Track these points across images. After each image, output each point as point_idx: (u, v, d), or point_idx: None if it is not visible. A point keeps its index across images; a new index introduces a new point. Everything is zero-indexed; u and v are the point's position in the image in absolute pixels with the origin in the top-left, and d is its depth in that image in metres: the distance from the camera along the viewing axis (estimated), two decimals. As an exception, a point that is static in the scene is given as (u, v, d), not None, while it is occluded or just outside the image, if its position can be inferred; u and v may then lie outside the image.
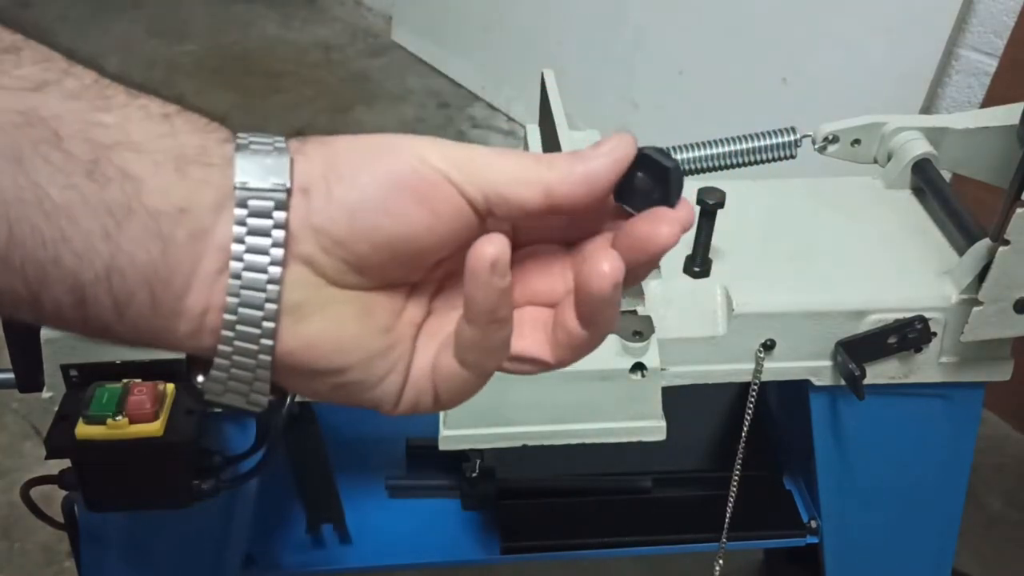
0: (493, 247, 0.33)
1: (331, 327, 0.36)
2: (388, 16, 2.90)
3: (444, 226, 0.36)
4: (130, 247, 0.33)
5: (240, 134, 0.37)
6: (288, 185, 0.34)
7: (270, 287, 0.34)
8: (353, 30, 2.96)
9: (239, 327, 0.34)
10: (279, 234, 0.33)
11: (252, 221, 0.33)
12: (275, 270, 0.34)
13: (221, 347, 0.35)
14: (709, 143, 0.88)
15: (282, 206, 0.33)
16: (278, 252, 0.33)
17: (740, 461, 0.91)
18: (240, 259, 0.33)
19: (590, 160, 0.37)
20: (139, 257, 0.33)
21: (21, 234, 0.31)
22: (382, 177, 0.35)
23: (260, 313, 0.34)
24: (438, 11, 2.69)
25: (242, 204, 0.33)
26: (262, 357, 0.36)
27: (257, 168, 0.34)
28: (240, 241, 0.33)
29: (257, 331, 0.35)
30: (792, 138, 0.92)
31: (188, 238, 0.33)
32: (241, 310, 0.34)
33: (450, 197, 0.35)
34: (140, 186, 0.33)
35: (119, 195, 0.32)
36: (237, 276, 0.33)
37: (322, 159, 0.35)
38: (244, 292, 0.34)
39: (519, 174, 0.36)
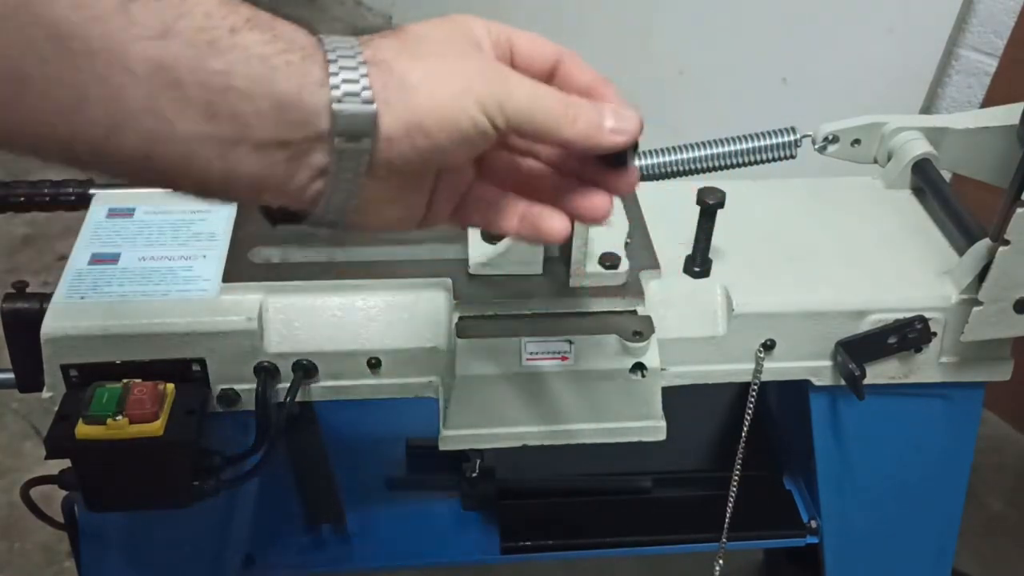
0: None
1: (376, 215, 0.49)
2: (388, 16, 2.89)
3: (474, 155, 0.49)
4: (239, 165, 0.42)
5: (331, 70, 0.44)
6: (371, 135, 0.44)
7: (350, 201, 0.46)
8: (353, 30, 2.91)
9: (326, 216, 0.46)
10: (362, 167, 0.44)
11: (340, 146, 0.43)
12: (354, 188, 0.45)
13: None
14: (709, 143, 0.88)
15: (366, 152, 0.44)
16: (357, 177, 0.45)
17: (740, 461, 0.91)
18: (331, 176, 0.44)
19: (607, 137, 0.49)
20: (246, 170, 0.43)
21: (160, 152, 0.41)
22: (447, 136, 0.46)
23: (333, 217, 0.46)
24: (438, 11, 2.68)
25: (334, 139, 0.43)
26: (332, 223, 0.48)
27: (345, 119, 0.43)
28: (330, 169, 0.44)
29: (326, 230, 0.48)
30: (792, 138, 0.92)
31: (286, 160, 0.43)
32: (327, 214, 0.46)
33: (490, 140, 0.47)
34: (246, 127, 0.42)
35: (230, 131, 0.41)
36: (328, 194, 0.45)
37: (404, 111, 0.44)
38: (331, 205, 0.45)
39: (548, 125, 0.48)
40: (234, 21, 0.42)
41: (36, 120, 0.39)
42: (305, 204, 0.46)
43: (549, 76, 0.53)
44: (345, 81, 0.44)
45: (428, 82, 0.45)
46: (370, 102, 0.44)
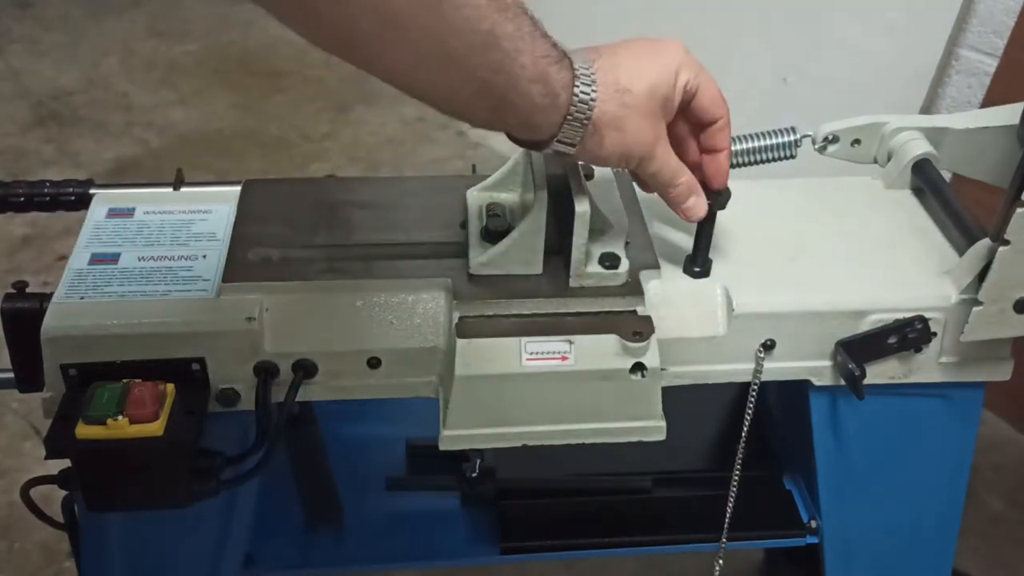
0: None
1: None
2: (388, 16, 2.89)
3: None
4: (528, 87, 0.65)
5: (573, 61, 0.67)
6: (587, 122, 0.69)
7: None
8: (353, 30, 2.95)
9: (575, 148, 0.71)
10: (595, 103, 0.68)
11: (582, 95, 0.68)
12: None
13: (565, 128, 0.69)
14: (709, 143, 0.88)
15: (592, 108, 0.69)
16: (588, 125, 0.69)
17: (740, 461, 0.91)
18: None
19: (682, 212, 0.78)
20: (530, 103, 0.66)
21: (499, 82, 0.64)
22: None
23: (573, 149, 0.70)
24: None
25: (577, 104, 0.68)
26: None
27: (584, 74, 0.68)
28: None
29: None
30: (792, 138, 0.92)
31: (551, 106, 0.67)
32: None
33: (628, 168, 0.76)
34: (551, 80, 0.66)
35: (540, 99, 0.66)
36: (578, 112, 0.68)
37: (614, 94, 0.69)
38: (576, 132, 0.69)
39: (657, 183, 0.76)
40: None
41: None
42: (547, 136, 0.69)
43: (705, 126, 0.76)
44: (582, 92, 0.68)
45: (611, 144, 0.71)
46: (592, 104, 0.68)
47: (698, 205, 0.77)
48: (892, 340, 0.82)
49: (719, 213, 0.80)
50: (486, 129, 0.70)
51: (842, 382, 0.84)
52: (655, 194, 0.82)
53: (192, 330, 0.75)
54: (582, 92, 0.67)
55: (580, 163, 0.79)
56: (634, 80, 0.70)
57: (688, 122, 0.76)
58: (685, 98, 0.74)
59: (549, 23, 0.66)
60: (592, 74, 0.68)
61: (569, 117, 0.68)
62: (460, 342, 0.74)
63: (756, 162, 0.93)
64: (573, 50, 0.69)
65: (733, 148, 0.92)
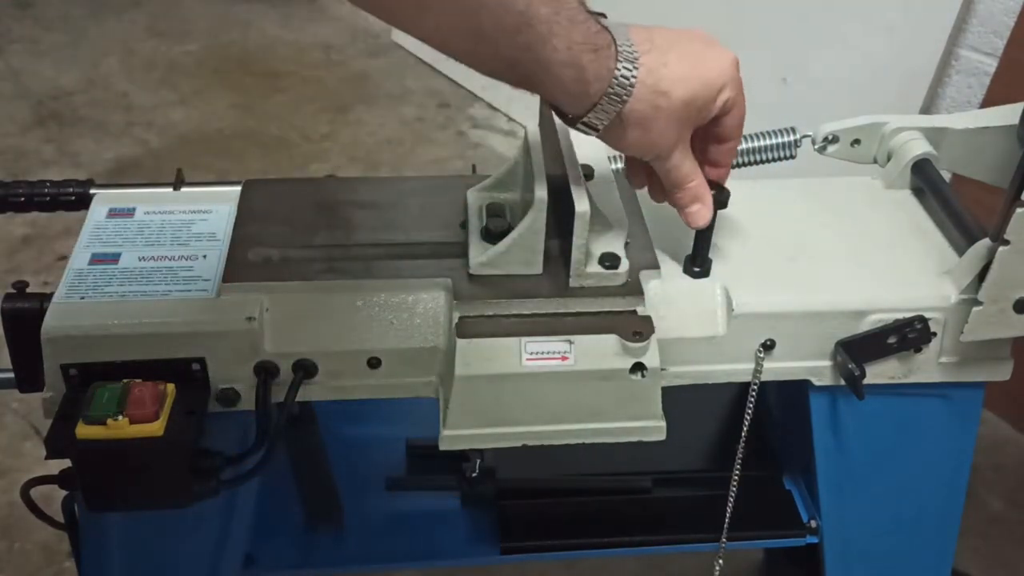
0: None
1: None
2: (388, 16, 2.89)
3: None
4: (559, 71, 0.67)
5: (620, 52, 0.68)
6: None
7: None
8: (353, 30, 2.96)
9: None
10: (628, 99, 0.69)
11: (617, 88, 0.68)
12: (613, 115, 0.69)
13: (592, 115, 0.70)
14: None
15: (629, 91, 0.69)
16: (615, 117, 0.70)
17: (740, 461, 0.91)
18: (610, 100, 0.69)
19: (685, 216, 0.79)
20: (560, 87, 0.68)
21: (528, 61, 0.66)
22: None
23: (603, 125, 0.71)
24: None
25: (611, 96, 0.68)
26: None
27: (623, 75, 0.68)
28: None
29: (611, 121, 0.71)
30: (792, 138, 0.92)
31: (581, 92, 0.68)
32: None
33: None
34: (584, 68, 0.67)
35: (570, 84, 0.68)
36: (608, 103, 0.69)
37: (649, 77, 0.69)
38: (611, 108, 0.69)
39: (668, 183, 0.77)
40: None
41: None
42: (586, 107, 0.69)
43: (718, 141, 0.77)
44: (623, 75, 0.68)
45: (632, 139, 0.72)
46: (625, 100, 0.69)
47: (700, 213, 0.77)
48: (892, 340, 0.82)
49: (719, 213, 0.80)
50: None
51: (842, 382, 0.84)
52: (657, 202, 0.82)
53: (192, 330, 0.75)
54: (618, 86, 0.68)
55: (580, 163, 0.79)
56: (675, 85, 0.70)
57: (705, 132, 0.77)
58: (718, 115, 0.74)
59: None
60: (633, 72, 0.68)
61: (599, 105, 0.68)
62: (460, 342, 0.74)
63: (756, 162, 0.94)
64: (627, 30, 0.69)
65: (733, 148, 0.92)
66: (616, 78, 0.67)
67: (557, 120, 0.81)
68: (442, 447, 0.77)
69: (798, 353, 0.83)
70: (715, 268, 0.83)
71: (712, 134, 0.77)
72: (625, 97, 0.68)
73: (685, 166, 0.75)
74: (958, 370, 0.85)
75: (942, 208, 0.90)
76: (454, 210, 0.86)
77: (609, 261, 0.78)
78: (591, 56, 0.66)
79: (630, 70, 0.68)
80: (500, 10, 0.63)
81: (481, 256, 0.79)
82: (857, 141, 0.95)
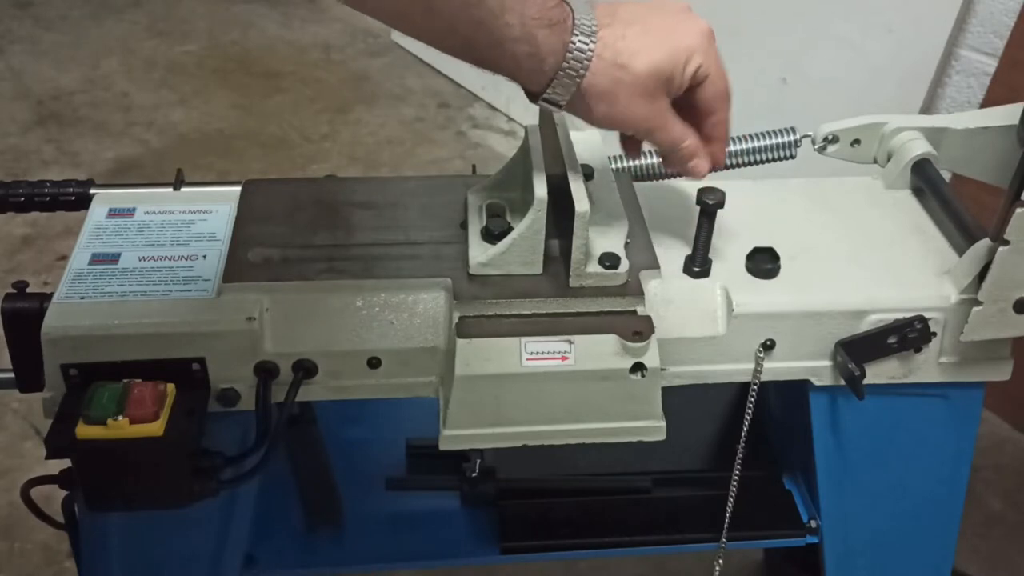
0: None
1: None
2: (388, 16, 2.89)
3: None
4: (513, 47, 0.66)
5: (577, 26, 0.67)
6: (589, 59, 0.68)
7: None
8: (353, 30, 2.96)
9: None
10: (585, 72, 0.68)
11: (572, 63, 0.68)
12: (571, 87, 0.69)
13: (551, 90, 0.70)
14: (709, 143, 0.88)
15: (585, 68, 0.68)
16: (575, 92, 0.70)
17: (740, 461, 0.91)
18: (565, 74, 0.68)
19: (687, 170, 0.78)
20: (514, 62, 0.68)
21: (481, 38, 0.66)
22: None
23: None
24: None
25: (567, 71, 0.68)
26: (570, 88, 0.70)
27: (579, 48, 0.68)
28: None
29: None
30: (792, 138, 0.92)
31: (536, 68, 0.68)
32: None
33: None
34: (538, 44, 0.67)
35: (524, 60, 0.67)
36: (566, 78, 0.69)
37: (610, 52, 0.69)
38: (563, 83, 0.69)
39: (661, 143, 0.76)
40: None
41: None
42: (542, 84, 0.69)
43: (702, 115, 0.76)
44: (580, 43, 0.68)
45: (600, 114, 0.71)
46: (582, 74, 0.69)
47: (699, 164, 0.77)
48: (892, 340, 0.82)
49: (719, 213, 0.80)
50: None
51: (842, 382, 0.84)
52: (655, 194, 0.82)
53: (192, 330, 0.75)
54: (574, 60, 0.67)
55: (580, 163, 0.79)
56: (636, 57, 0.69)
57: (690, 104, 0.76)
58: (692, 84, 0.73)
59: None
60: (589, 46, 0.67)
61: (555, 80, 0.68)
62: (460, 342, 0.74)
63: (756, 162, 0.94)
64: (589, 5, 0.68)
65: (733, 148, 0.92)
66: (571, 52, 0.67)
67: (557, 120, 0.82)
68: (442, 447, 0.77)
69: (798, 353, 0.83)
70: (715, 268, 0.83)
71: (695, 108, 0.75)
72: (582, 71, 0.68)
73: (672, 131, 0.74)
74: (958, 370, 0.85)
75: (942, 208, 0.90)
76: (454, 210, 0.86)
77: (609, 261, 0.78)
78: (546, 31, 0.66)
79: (586, 43, 0.67)
80: None
81: (481, 256, 0.79)
82: (857, 141, 0.95)
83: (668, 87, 0.72)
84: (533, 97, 0.71)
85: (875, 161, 0.97)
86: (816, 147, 0.95)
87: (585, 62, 0.68)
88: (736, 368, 0.83)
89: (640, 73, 0.69)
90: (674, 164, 0.78)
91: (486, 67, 0.69)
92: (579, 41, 0.67)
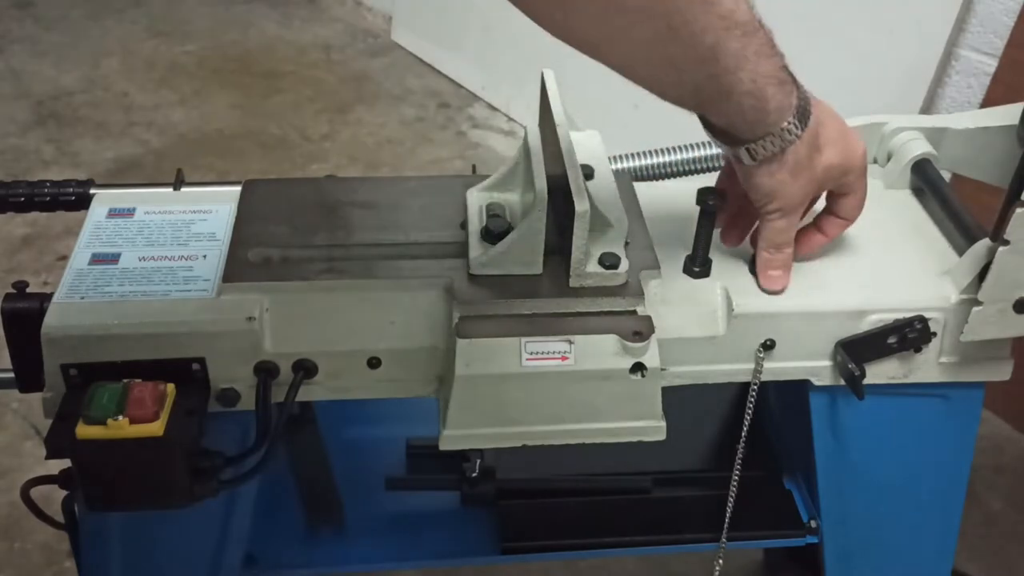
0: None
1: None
2: (388, 16, 2.90)
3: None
4: (740, 99, 0.69)
5: (795, 110, 0.72)
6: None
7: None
8: (353, 30, 2.96)
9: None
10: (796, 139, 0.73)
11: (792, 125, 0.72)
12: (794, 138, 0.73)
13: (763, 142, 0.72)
14: (709, 143, 0.88)
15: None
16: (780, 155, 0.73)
17: (740, 461, 0.91)
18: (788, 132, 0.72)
19: (762, 283, 0.82)
20: (739, 112, 0.71)
21: (711, 89, 0.69)
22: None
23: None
24: (438, 11, 2.69)
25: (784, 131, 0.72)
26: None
27: (795, 122, 0.72)
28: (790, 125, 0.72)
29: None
30: (792, 138, 0.92)
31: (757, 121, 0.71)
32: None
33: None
34: (767, 99, 0.70)
35: (749, 112, 0.70)
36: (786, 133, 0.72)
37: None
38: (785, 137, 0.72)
39: (764, 243, 0.81)
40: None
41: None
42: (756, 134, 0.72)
43: (831, 215, 0.82)
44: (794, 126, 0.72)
45: (776, 181, 0.75)
46: (796, 136, 0.72)
47: (781, 279, 0.81)
48: (892, 340, 0.82)
49: (719, 213, 0.80)
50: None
51: (842, 382, 0.84)
52: (655, 194, 0.82)
53: (192, 330, 0.75)
54: (797, 120, 0.71)
55: (580, 163, 0.79)
56: (827, 147, 0.75)
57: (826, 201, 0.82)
58: (836, 193, 0.80)
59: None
60: (808, 114, 0.72)
61: (770, 136, 0.71)
62: (460, 342, 0.74)
63: (756, 162, 0.93)
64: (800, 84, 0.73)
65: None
66: (795, 114, 0.71)
67: (557, 120, 0.82)
68: (442, 447, 0.77)
69: (798, 353, 0.83)
70: (715, 268, 0.83)
71: (831, 207, 0.81)
72: (798, 134, 0.72)
73: (791, 231, 0.79)
74: (958, 370, 0.85)
75: (942, 208, 0.90)
76: (454, 210, 0.86)
77: (609, 261, 0.78)
78: (775, 88, 0.70)
79: (804, 111, 0.72)
80: (690, 42, 0.64)
81: (481, 256, 0.79)
82: (857, 141, 0.95)
83: (826, 186, 0.78)
84: (735, 142, 0.73)
85: (875, 161, 0.97)
86: (816, 147, 0.95)
87: (802, 128, 0.72)
88: (736, 368, 0.83)
89: (826, 162, 0.75)
90: (761, 262, 0.81)
91: (703, 111, 0.72)
92: (802, 106, 0.72)
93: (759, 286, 0.82)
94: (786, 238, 0.79)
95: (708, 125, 0.75)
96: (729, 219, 0.84)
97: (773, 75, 0.69)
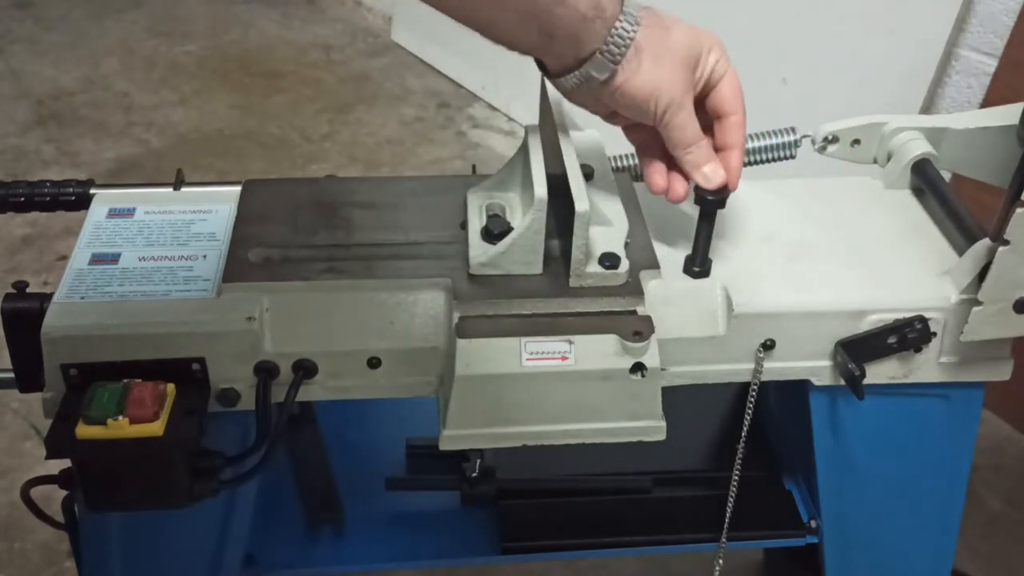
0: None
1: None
2: (388, 16, 2.90)
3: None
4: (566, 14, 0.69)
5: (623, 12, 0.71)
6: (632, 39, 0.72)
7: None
8: (353, 30, 2.96)
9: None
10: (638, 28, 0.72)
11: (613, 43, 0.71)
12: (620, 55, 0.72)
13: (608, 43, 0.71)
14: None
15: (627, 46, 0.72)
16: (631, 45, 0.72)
17: (740, 461, 0.91)
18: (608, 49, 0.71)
19: (697, 176, 0.79)
20: (577, 14, 0.69)
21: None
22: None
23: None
24: (436, 12, 2.69)
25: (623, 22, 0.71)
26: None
27: (630, 16, 0.72)
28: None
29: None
30: (792, 138, 0.92)
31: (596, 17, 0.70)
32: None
33: (648, 120, 0.76)
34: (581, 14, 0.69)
35: (586, 9, 0.69)
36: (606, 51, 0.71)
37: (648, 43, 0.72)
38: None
39: (674, 141, 0.78)
40: None
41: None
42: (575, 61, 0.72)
43: (721, 118, 0.78)
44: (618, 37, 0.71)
45: (646, 73, 0.72)
46: (617, 61, 0.72)
47: (715, 171, 0.77)
48: (892, 340, 0.82)
49: (719, 213, 0.80)
50: (527, 55, 0.74)
51: (842, 382, 0.84)
52: (654, 194, 0.82)
53: (192, 330, 0.75)
54: (629, 12, 0.71)
55: (580, 163, 0.79)
56: (674, 29, 0.74)
57: (705, 113, 0.78)
58: (710, 80, 0.76)
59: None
60: (637, 14, 0.72)
61: (614, 30, 0.70)
62: (460, 342, 0.74)
63: (756, 162, 0.94)
64: None
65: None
66: (625, 5, 0.71)
67: (557, 120, 0.82)
68: (442, 447, 0.77)
69: (798, 353, 0.83)
70: (715, 268, 0.83)
71: (714, 109, 0.78)
72: (636, 25, 0.71)
73: (692, 124, 0.76)
74: (958, 370, 0.85)
75: (942, 208, 0.90)
76: (454, 210, 0.86)
77: (609, 261, 0.78)
78: None
79: (634, 13, 0.72)
80: None
81: (481, 256, 0.79)
82: (857, 141, 0.95)
83: (696, 69, 0.75)
84: (584, 62, 0.72)
85: (875, 161, 0.97)
86: (816, 147, 0.95)
87: (638, 17, 0.71)
88: (736, 368, 0.83)
89: (680, 42, 0.73)
90: (688, 165, 0.78)
91: (546, 33, 0.71)
92: (630, 6, 0.71)
93: (704, 192, 0.78)
94: (692, 131, 0.76)
95: (561, 65, 0.74)
96: (643, 157, 0.83)
97: None
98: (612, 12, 0.70)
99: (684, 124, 0.76)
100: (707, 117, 0.79)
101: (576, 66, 0.72)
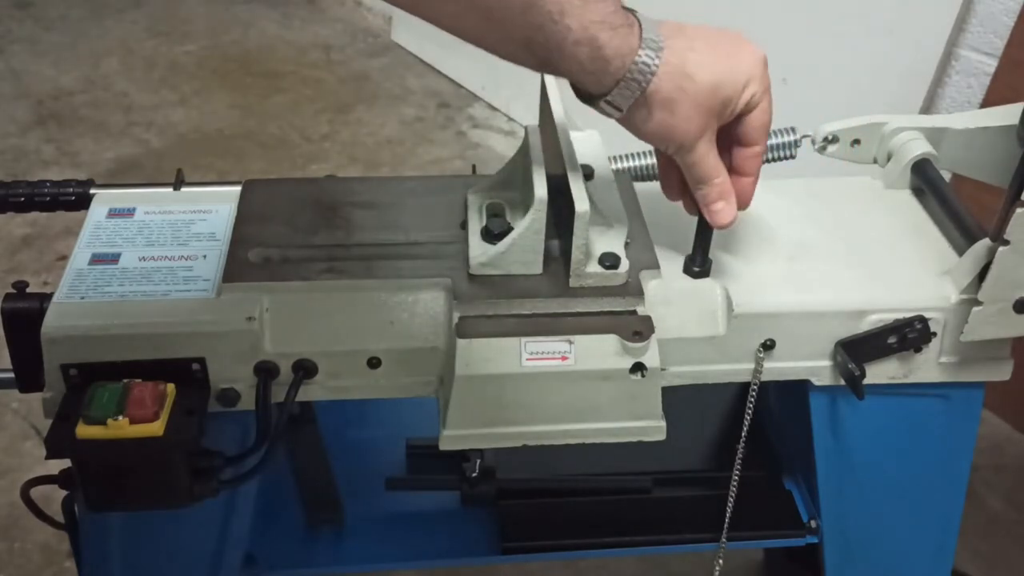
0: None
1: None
2: (388, 16, 2.90)
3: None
4: (573, 50, 0.67)
5: (644, 40, 0.68)
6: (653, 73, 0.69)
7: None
8: (353, 30, 2.96)
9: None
10: (651, 78, 0.69)
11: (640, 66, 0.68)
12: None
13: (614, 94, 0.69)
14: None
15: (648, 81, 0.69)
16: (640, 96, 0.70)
17: (740, 461, 0.91)
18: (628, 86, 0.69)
19: (708, 213, 0.78)
20: (577, 64, 0.68)
21: (541, 41, 0.66)
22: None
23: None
24: (438, 11, 2.69)
25: (633, 73, 0.68)
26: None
27: (644, 61, 0.68)
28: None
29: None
30: (792, 138, 0.92)
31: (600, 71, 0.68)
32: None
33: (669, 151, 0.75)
34: (600, 46, 0.67)
35: (587, 62, 0.67)
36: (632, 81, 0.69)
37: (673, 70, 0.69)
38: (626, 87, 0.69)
39: (691, 176, 0.76)
40: None
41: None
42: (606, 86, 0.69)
43: (742, 146, 0.76)
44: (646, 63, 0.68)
45: (657, 123, 0.71)
46: (648, 79, 0.69)
47: (726, 210, 0.76)
48: (892, 340, 0.82)
49: (719, 213, 0.80)
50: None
51: (842, 382, 0.84)
52: (655, 194, 0.82)
53: (192, 330, 0.75)
54: (643, 63, 0.68)
55: (580, 163, 0.79)
56: (701, 70, 0.69)
57: (729, 134, 0.76)
58: (743, 111, 0.73)
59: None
60: (658, 52, 0.68)
61: (622, 82, 0.68)
62: (460, 342, 0.74)
63: (756, 162, 0.93)
64: (652, 20, 0.69)
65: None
66: (641, 56, 0.67)
67: (557, 120, 0.82)
68: (442, 447, 0.77)
69: (798, 353, 0.83)
70: (715, 268, 0.83)
71: (736, 135, 0.75)
72: (649, 76, 0.68)
73: (710, 160, 0.74)
74: (958, 370, 0.85)
75: (942, 208, 0.90)
76: (454, 210, 0.86)
77: (609, 261, 0.78)
78: (608, 34, 0.66)
79: (654, 49, 0.68)
80: None
81: (481, 256, 0.79)
82: (857, 141, 0.95)
83: (723, 108, 0.72)
84: (595, 100, 0.71)
85: (875, 161, 0.97)
86: (816, 147, 0.95)
87: (653, 67, 0.68)
88: (736, 368, 0.83)
89: (704, 85, 0.70)
90: (700, 200, 0.77)
91: (550, 70, 0.70)
92: (647, 47, 0.68)
93: (712, 224, 0.78)
94: (705, 169, 0.74)
95: (577, 91, 0.72)
96: (662, 171, 0.81)
97: (603, 20, 0.66)
98: (619, 65, 0.67)
99: (697, 163, 0.74)
100: (729, 138, 0.77)
101: (586, 100, 0.72)
